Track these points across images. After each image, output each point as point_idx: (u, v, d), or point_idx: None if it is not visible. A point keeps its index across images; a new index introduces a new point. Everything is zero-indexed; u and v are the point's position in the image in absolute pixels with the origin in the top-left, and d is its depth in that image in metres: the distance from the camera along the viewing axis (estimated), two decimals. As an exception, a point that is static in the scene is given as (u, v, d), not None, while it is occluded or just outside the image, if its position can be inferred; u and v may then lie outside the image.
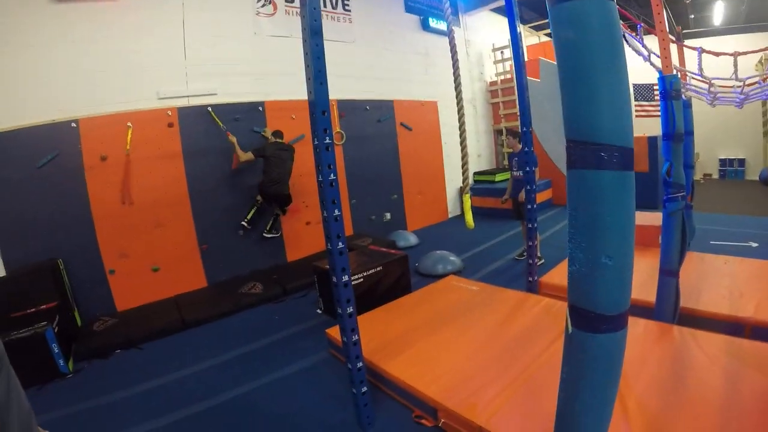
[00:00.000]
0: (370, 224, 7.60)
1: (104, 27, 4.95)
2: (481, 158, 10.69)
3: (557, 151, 9.18)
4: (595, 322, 1.18)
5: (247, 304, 4.93)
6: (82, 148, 4.73)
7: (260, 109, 6.11)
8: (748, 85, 5.08)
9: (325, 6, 7.15)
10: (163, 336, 4.39)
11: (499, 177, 9.45)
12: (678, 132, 3.09)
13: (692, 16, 14.48)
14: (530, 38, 11.67)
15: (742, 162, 13.70)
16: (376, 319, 3.80)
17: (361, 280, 4.24)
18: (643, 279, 3.74)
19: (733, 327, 3.18)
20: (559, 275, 4.37)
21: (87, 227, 4.79)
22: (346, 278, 2.49)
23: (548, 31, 12.06)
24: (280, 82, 6.28)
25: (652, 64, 4.50)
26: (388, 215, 7.99)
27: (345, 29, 7.52)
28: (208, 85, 5.70)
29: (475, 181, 9.75)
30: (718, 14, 13.25)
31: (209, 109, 5.56)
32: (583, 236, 1.15)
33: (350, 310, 2.54)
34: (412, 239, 7.24)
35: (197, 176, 5.52)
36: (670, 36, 5.50)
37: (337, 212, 2.44)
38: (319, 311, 4.62)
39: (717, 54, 5.02)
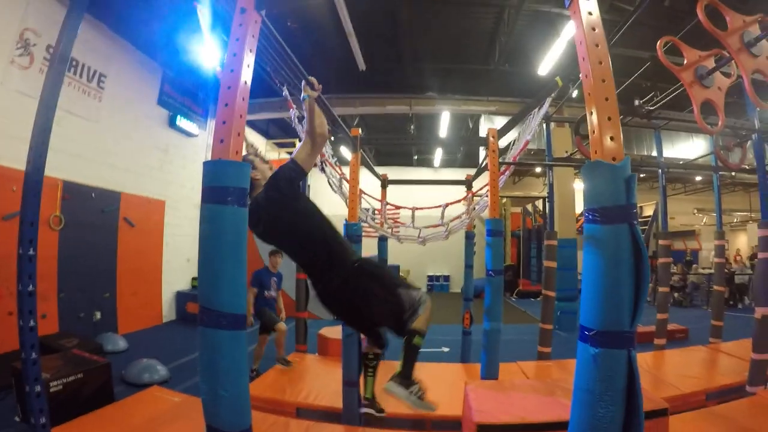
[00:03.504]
0: (78, 322, 6.70)
1: None
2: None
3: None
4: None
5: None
6: None
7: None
8: (427, 228, 6.65)
9: (78, 75, 6.74)
10: None
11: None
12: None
13: (416, 157, 18.86)
14: (271, 153, 12.56)
15: (447, 278, 17.35)
16: (74, 432, 3.42)
17: (61, 387, 3.87)
18: (339, 387, 4.35)
19: (416, 423, 3.87)
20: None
21: None
22: (39, 389, 2.41)
23: (290, 150, 13.21)
24: (11, 146, 5.15)
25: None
26: (98, 314, 7.21)
27: (92, 106, 7.13)
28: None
29: (193, 287, 9.83)
30: (437, 158, 17.60)
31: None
32: (206, 374, 1.58)
33: (43, 420, 2.42)
34: (121, 344, 6.76)
35: None
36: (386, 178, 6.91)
37: (32, 323, 2.37)
38: (17, 419, 3.88)
39: (398, 207, 6.69)
